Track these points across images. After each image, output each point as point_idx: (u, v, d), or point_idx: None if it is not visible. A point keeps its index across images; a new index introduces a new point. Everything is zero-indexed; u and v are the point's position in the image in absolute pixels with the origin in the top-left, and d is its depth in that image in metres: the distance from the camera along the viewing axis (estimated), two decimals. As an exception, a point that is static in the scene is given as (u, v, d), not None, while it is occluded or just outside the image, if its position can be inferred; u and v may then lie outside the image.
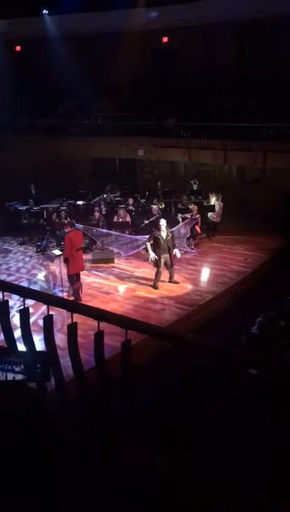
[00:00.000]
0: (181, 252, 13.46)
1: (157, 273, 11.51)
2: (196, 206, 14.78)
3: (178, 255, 11.63)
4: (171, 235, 11.60)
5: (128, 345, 3.56)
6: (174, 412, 3.94)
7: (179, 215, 14.87)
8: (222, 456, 3.29)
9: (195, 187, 17.16)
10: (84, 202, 16.70)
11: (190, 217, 14.29)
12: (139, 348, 4.41)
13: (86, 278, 11.75)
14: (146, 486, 2.50)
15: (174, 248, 11.57)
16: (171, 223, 12.90)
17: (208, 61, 18.56)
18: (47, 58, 19.29)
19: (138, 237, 13.52)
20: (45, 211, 15.77)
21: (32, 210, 15.96)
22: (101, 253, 13.62)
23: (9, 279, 12.05)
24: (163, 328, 6.57)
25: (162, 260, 11.44)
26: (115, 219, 14.70)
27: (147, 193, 17.41)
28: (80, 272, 10.92)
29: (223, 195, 16.03)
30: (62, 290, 11.19)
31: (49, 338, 4.08)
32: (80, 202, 16.60)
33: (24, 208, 16.27)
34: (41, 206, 16.15)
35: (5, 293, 4.40)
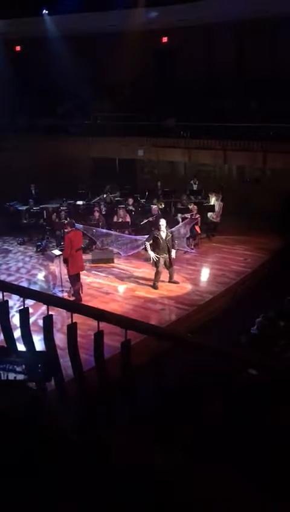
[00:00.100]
0: (181, 251, 13.49)
1: (157, 273, 11.51)
2: (195, 206, 14.78)
3: (173, 255, 11.62)
4: (170, 235, 11.60)
5: (128, 345, 3.57)
6: (174, 412, 3.94)
7: (179, 215, 14.87)
8: (222, 456, 3.29)
9: (195, 187, 17.16)
10: (84, 202, 16.70)
11: (189, 217, 14.29)
12: (139, 348, 4.41)
13: (85, 278, 11.75)
14: (146, 486, 2.50)
15: (173, 248, 11.57)
16: (171, 223, 12.91)
17: (208, 61, 18.55)
18: (47, 58, 19.28)
19: (138, 237, 13.52)
20: (44, 211, 15.77)
21: (32, 210, 15.96)
22: (100, 253, 13.62)
23: (9, 279, 12.05)
24: (163, 328, 6.57)
25: (162, 260, 11.44)
26: (115, 219, 14.70)
27: (146, 193, 17.42)
28: (80, 272, 10.91)
29: (223, 195, 16.03)
30: (62, 290, 11.19)
31: (49, 338, 4.09)
32: (79, 202, 16.61)
33: (24, 208, 16.27)
34: (41, 206, 16.15)
35: (5, 293, 4.40)
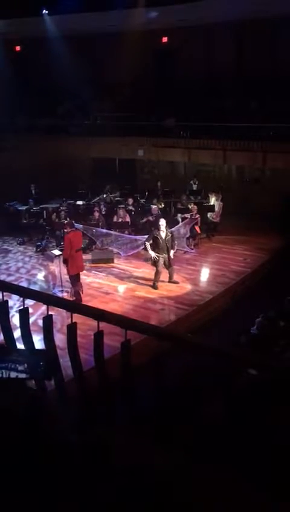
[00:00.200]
0: (181, 251, 13.50)
1: (157, 273, 11.51)
2: (195, 206, 14.78)
3: (171, 256, 11.61)
4: (170, 235, 11.59)
5: (128, 345, 3.57)
6: (174, 412, 3.94)
7: (179, 215, 14.87)
8: (222, 456, 3.29)
9: (194, 187, 17.16)
10: (84, 202, 16.70)
11: (189, 217, 14.29)
12: (138, 348, 4.41)
13: (85, 278, 11.74)
14: (146, 486, 2.50)
15: (172, 249, 11.57)
16: (170, 223, 12.91)
17: (208, 61, 18.55)
18: (47, 58, 19.28)
19: (138, 237, 13.53)
20: (44, 211, 15.77)
21: (32, 210, 15.96)
22: (100, 253, 13.61)
23: (9, 279, 12.05)
24: (163, 328, 6.57)
25: (161, 260, 11.44)
26: (115, 219, 14.70)
27: (146, 193, 17.43)
28: (80, 272, 10.91)
29: (223, 195, 16.03)
30: (62, 290, 11.19)
31: (48, 338, 4.08)
32: (79, 202, 16.61)
33: (24, 207, 16.27)
34: (41, 206, 16.14)
35: (4, 293, 4.40)
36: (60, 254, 11.24)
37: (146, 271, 12.49)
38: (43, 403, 3.53)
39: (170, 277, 11.75)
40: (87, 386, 3.99)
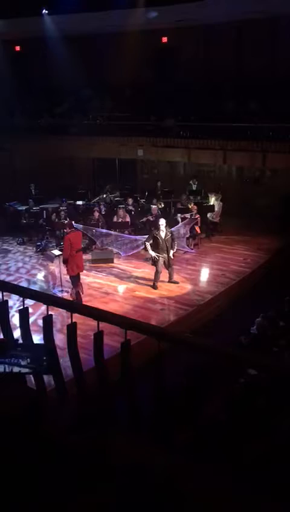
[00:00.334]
0: (181, 251, 13.50)
1: (157, 273, 11.52)
2: (195, 206, 14.79)
3: (171, 256, 11.61)
4: (170, 234, 11.59)
5: (128, 345, 3.56)
6: (174, 412, 3.94)
7: (179, 215, 14.87)
8: (222, 456, 3.29)
9: (194, 187, 17.15)
10: (84, 202, 16.71)
11: (189, 217, 14.30)
12: (138, 348, 4.41)
13: (85, 278, 11.74)
14: (146, 486, 2.50)
15: (172, 249, 11.56)
16: (170, 223, 12.91)
17: (208, 61, 18.54)
18: (47, 58, 19.30)
19: (138, 237, 13.53)
20: (44, 211, 15.77)
21: (32, 210, 15.96)
22: (100, 253, 13.62)
23: (8, 279, 12.05)
24: (163, 328, 6.56)
25: (161, 260, 11.45)
26: (115, 219, 14.70)
27: (146, 193, 17.42)
28: (80, 273, 10.90)
29: (223, 195, 16.03)
30: (62, 290, 11.19)
31: (48, 338, 4.08)
32: (79, 202, 16.61)
33: (24, 207, 16.28)
34: (41, 206, 16.15)
35: (4, 293, 4.40)
36: (60, 254, 11.24)
37: (146, 271, 12.50)
38: (43, 403, 3.53)
39: (170, 277, 11.75)
40: (87, 386, 3.99)
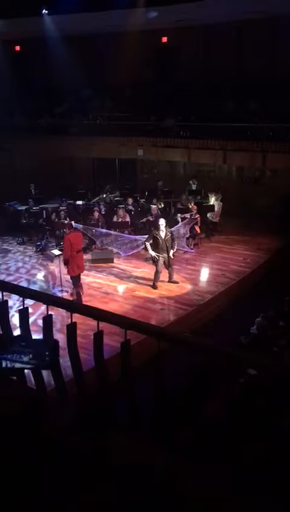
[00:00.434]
0: (181, 251, 13.49)
1: (156, 273, 11.52)
2: (195, 206, 14.79)
3: (171, 255, 11.62)
4: (170, 234, 11.60)
5: (128, 345, 3.56)
6: (174, 412, 3.94)
7: (178, 215, 14.87)
8: (222, 456, 3.29)
9: (194, 187, 17.16)
10: (84, 202, 16.71)
11: (189, 216, 14.30)
12: (138, 348, 4.41)
13: (85, 277, 11.74)
14: (146, 486, 2.50)
15: (172, 249, 11.56)
16: (170, 223, 12.92)
17: (208, 61, 18.54)
18: (47, 58, 19.29)
19: (137, 237, 13.53)
20: (44, 211, 15.77)
21: (31, 210, 15.96)
22: (100, 253, 13.62)
23: (8, 279, 12.05)
24: (163, 328, 6.56)
25: (161, 260, 11.45)
26: (115, 219, 14.70)
27: (146, 193, 17.42)
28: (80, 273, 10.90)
29: (223, 195, 16.04)
30: (62, 290, 11.19)
31: (48, 338, 4.08)
32: (79, 202, 16.62)
33: (24, 207, 16.28)
34: (40, 206, 16.15)
35: (4, 293, 4.40)
36: (60, 254, 11.23)
37: (146, 271, 12.50)
38: (43, 403, 3.53)
39: (170, 277, 11.75)
40: (87, 386, 3.99)
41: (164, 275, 11.71)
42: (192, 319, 10.35)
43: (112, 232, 14.04)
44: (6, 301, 4.41)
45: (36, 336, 4.42)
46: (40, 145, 17.90)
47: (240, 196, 17.14)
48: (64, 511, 2.38)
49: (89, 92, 18.97)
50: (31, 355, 2.98)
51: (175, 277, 11.86)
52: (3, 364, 2.93)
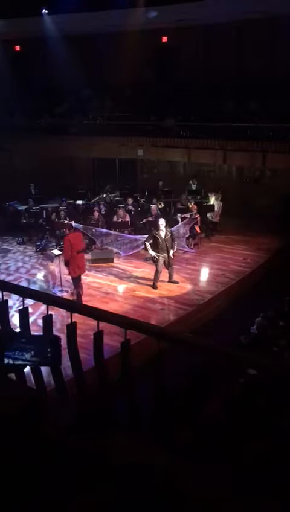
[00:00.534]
0: (181, 250, 13.50)
1: (156, 273, 11.52)
2: (195, 206, 14.80)
3: (171, 255, 11.62)
4: (170, 234, 11.60)
5: (128, 345, 3.56)
6: (174, 412, 3.94)
7: (178, 214, 14.87)
8: (222, 456, 3.29)
9: (193, 187, 17.16)
10: (84, 202, 16.71)
11: (189, 216, 14.30)
12: (138, 348, 4.41)
13: (85, 277, 11.73)
14: (146, 486, 2.50)
15: (172, 248, 11.56)
16: (170, 223, 12.92)
17: (208, 61, 18.54)
18: (47, 58, 19.29)
19: (137, 237, 13.53)
20: (44, 211, 15.77)
21: (31, 210, 15.96)
22: (100, 253, 13.62)
23: (8, 278, 12.05)
24: (162, 328, 6.56)
25: (161, 260, 11.45)
26: (115, 219, 14.70)
27: (146, 193, 17.42)
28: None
29: (223, 195, 16.04)
30: (61, 290, 11.19)
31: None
32: (79, 202, 16.62)
33: (24, 207, 16.28)
34: (40, 205, 16.15)
35: (4, 293, 4.40)
36: (60, 254, 11.23)
37: (146, 271, 12.50)
38: (43, 403, 3.52)
39: (170, 277, 11.75)
40: (87, 386, 3.99)
41: (164, 274, 11.71)
42: (192, 319, 10.35)
43: (112, 232, 14.04)
44: (6, 301, 4.40)
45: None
46: (40, 145, 17.90)
47: (240, 196, 17.14)
48: (64, 511, 2.38)
49: (89, 92, 18.96)
50: (33, 352, 2.97)
51: (175, 277, 11.86)
52: (6, 362, 2.93)
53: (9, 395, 3.26)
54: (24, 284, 11.67)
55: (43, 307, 4.17)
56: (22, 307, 4.24)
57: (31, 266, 13.39)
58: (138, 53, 17.70)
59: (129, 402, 3.63)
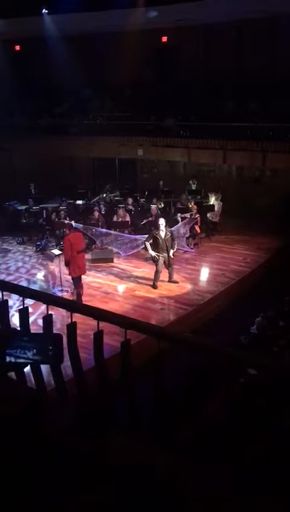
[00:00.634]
0: (181, 250, 13.50)
1: (156, 273, 11.52)
2: (195, 206, 14.80)
3: (171, 255, 11.62)
4: (170, 234, 11.60)
5: (128, 345, 3.56)
6: (174, 412, 3.94)
7: (178, 214, 14.88)
8: (222, 456, 3.29)
9: (193, 187, 17.17)
10: (84, 202, 16.71)
11: (189, 216, 14.30)
12: (138, 347, 4.41)
13: (85, 277, 11.72)
14: (146, 486, 2.50)
15: (172, 248, 11.57)
16: (170, 223, 12.92)
17: (208, 60, 18.54)
18: (47, 58, 19.29)
19: (137, 237, 13.53)
20: (44, 211, 15.77)
21: (31, 210, 15.96)
22: (100, 253, 13.62)
23: (8, 278, 12.06)
24: (162, 328, 6.57)
25: (161, 259, 11.45)
26: (115, 219, 14.70)
27: (146, 193, 17.43)
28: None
29: (223, 195, 16.04)
30: (61, 290, 11.19)
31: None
32: (79, 202, 16.62)
33: (24, 207, 16.28)
34: (40, 205, 16.15)
35: (4, 293, 4.40)
36: (60, 254, 11.23)
37: (146, 271, 12.50)
38: (43, 403, 3.52)
39: (170, 277, 11.75)
40: (87, 386, 3.99)
41: (164, 274, 11.71)
42: (192, 319, 10.35)
43: (112, 231, 14.04)
44: (6, 301, 4.40)
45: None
46: (40, 145, 17.90)
47: (240, 196, 17.14)
48: (64, 511, 2.38)
49: (89, 92, 18.96)
50: (34, 350, 2.97)
51: (175, 277, 11.86)
52: (8, 360, 2.92)
53: (9, 395, 3.26)
54: (24, 283, 11.68)
55: (43, 306, 4.17)
56: (22, 307, 4.24)
57: (31, 266, 13.39)
58: (138, 53, 17.70)
59: (129, 402, 3.63)
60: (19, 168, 18.73)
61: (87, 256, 13.01)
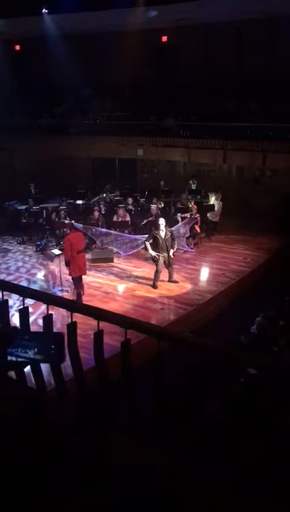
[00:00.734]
0: (181, 250, 13.50)
1: (156, 273, 11.52)
2: (195, 205, 14.80)
3: (171, 255, 11.62)
4: (170, 234, 11.60)
5: (128, 345, 3.56)
6: (174, 412, 3.94)
7: (178, 214, 14.88)
8: (222, 456, 3.29)
9: (193, 187, 17.17)
10: (84, 202, 16.71)
11: (189, 216, 14.30)
12: (138, 347, 4.41)
13: (85, 277, 11.72)
14: (146, 486, 2.50)
15: (172, 248, 11.57)
16: (170, 223, 12.92)
17: (208, 60, 18.54)
18: (47, 58, 19.28)
19: (137, 237, 13.53)
20: (44, 211, 15.78)
21: (31, 209, 15.96)
22: (100, 253, 13.62)
23: (8, 278, 12.06)
24: (163, 328, 6.57)
25: (161, 259, 11.45)
26: (115, 218, 14.70)
27: (146, 192, 17.43)
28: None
29: (223, 194, 16.04)
30: (62, 290, 11.19)
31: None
32: (79, 202, 16.62)
33: (24, 207, 16.28)
34: (40, 205, 16.15)
35: (4, 293, 4.40)
36: (60, 253, 11.23)
37: (146, 270, 12.50)
38: (43, 403, 3.52)
39: (170, 276, 11.75)
40: (87, 386, 3.99)
41: (164, 274, 11.71)
42: (192, 319, 10.35)
43: (112, 231, 14.04)
44: (7, 300, 4.40)
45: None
46: (40, 145, 17.90)
47: (240, 196, 17.15)
48: (64, 511, 2.38)
49: (89, 91, 18.96)
50: (36, 349, 2.97)
51: (175, 276, 11.86)
52: (9, 359, 2.92)
53: (9, 394, 3.25)
54: (24, 283, 11.68)
55: (43, 306, 4.17)
56: (22, 307, 4.24)
57: (31, 266, 13.39)
58: (137, 53, 17.70)
59: (129, 402, 3.63)
60: (19, 168, 18.73)
61: (87, 256, 13.02)
